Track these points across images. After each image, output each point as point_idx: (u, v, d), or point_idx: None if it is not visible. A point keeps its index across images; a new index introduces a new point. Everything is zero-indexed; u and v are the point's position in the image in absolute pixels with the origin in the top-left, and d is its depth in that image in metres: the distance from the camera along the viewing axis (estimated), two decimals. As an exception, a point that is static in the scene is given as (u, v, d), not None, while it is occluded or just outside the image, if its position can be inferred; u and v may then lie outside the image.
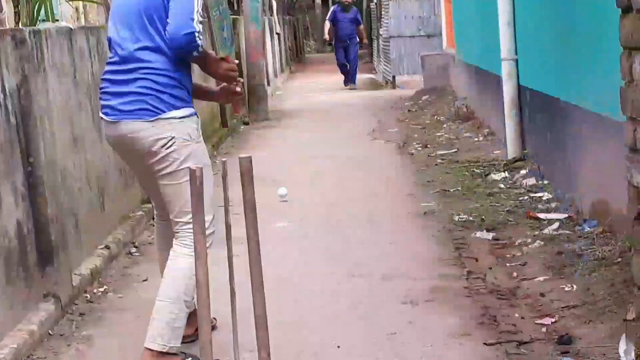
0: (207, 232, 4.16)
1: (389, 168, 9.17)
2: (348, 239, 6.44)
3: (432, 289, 5.14)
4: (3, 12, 5.59)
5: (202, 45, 4.06)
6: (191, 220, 4.06)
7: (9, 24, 6.10)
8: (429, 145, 10.33)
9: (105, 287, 5.63)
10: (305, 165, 9.71)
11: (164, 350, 4.15)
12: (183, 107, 4.14)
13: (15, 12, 6.35)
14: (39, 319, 4.69)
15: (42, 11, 6.70)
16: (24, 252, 4.73)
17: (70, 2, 10.21)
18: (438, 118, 12.60)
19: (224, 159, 3.61)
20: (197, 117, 4.25)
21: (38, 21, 6.60)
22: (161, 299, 4.23)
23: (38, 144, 4.97)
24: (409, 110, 14.17)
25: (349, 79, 20.32)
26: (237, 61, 4.44)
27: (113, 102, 4.17)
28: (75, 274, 5.43)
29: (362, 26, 20.93)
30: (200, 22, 4.07)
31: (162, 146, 4.10)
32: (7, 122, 4.67)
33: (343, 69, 20.60)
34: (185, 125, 4.14)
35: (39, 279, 4.91)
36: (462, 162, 8.93)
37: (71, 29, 6.09)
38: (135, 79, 4.11)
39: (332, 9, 21.16)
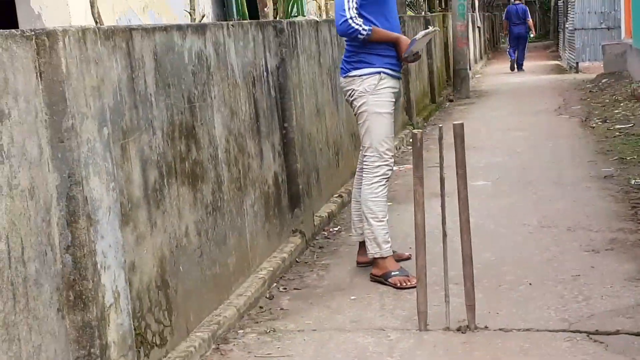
0: (379, 162, 4.40)
1: (573, 138, 8.79)
2: (537, 196, 6.24)
3: (611, 240, 4.90)
4: (267, 7, 5.74)
5: (361, 29, 4.27)
6: (367, 153, 4.42)
7: (270, 17, 6.27)
8: (607, 121, 9.81)
9: (338, 227, 5.74)
10: (500, 135, 9.48)
11: (375, 257, 4.47)
12: (363, 68, 4.38)
13: (273, 9, 6.51)
14: (289, 249, 4.84)
15: (295, 8, 6.85)
16: (278, 196, 4.89)
17: (315, 0, 10.39)
18: (616, 98, 11.94)
19: (440, 125, 3.58)
20: (381, 74, 4.39)
21: (290, 16, 6.75)
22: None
23: (291, 113, 5.09)
24: (590, 91, 13.51)
25: (517, 66, 20.30)
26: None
27: None
28: (316, 216, 5.56)
29: (530, 20, 20.78)
30: (357, 8, 4.25)
31: (349, 95, 4.48)
32: (269, 95, 4.83)
33: (511, 61, 20.68)
34: (363, 81, 4.38)
35: (289, 218, 5.06)
36: (638, 135, 8.43)
37: (317, 21, 6.19)
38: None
39: (507, 9, 21.21)
